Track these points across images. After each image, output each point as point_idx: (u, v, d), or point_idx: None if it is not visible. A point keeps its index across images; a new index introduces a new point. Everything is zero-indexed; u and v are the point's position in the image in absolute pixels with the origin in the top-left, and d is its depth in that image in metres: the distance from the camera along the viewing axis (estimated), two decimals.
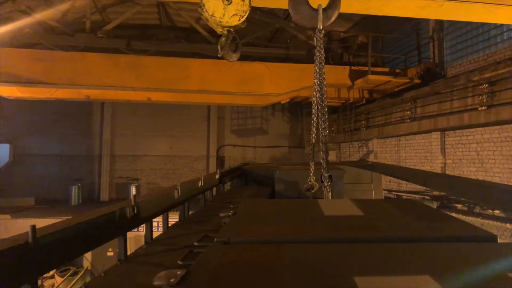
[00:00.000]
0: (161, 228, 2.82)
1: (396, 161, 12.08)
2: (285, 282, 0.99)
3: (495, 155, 8.40)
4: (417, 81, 9.78)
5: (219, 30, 3.84)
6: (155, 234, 2.53)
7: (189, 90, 9.66)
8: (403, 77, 9.71)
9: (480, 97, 7.99)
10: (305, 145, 16.20)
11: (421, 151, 10.89)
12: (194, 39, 13.80)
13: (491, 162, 8.50)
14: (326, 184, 3.19)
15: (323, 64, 3.21)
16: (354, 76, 10.40)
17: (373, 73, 9.76)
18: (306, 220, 1.80)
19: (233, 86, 9.82)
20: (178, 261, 1.70)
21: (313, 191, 3.39)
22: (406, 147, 11.64)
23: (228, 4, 3.51)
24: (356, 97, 12.10)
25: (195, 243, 2.01)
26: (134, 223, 2.11)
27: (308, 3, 3.13)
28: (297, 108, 20.31)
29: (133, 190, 18.34)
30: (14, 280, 1.20)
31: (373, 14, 4.47)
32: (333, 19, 3.12)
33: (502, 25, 8.32)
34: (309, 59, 11.64)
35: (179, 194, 2.93)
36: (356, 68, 10.39)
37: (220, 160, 21.08)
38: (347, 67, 10.40)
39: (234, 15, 3.53)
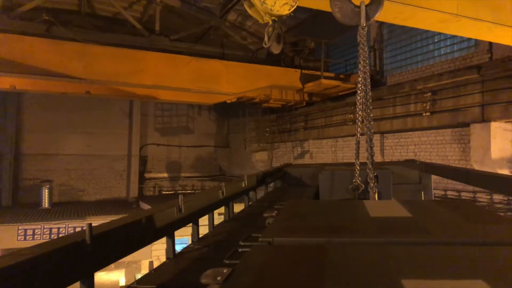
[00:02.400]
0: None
1: (333, 161, 12.89)
2: (329, 284, 0.98)
3: (431, 155, 9.52)
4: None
5: (264, 19, 3.73)
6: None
7: (143, 85, 9.03)
8: (350, 83, 10.41)
9: (424, 104, 9.00)
10: (245, 145, 16.26)
11: (360, 152, 11.79)
12: (117, 30, 12.91)
13: (427, 161, 9.60)
14: (372, 184, 3.14)
15: (367, 61, 3.20)
16: (304, 79, 10.82)
17: (325, 77, 10.27)
18: (351, 221, 1.79)
19: (190, 83, 9.47)
20: (224, 260, 1.72)
21: (358, 192, 3.38)
22: (343, 147, 12.49)
23: None
24: (297, 99, 12.58)
25: (240, 243, 2.01)
26: (181, 223, 2.15)
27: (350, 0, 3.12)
28: (225, 108, 20.27)
29: (46, 193, 16.38)
30: (73, 275, 1.27)
31: (398, 23, 4.77)
32: (376, 15, 3.11)
33: (439, 41, 9.48)
34: (255, 60, 11.79)
35: (224, 194, 2.94)
36: (306, 71, 10.83)
37: (143, 160, 20.04)
38: (299, 70, 10.78)
39: (284, 4, 3.48)
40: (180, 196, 2.23)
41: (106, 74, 8.62)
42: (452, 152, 9.05)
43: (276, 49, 3.83)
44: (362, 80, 3.16)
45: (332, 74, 10.93)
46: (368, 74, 3.16)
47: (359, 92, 3.20)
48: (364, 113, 3.18)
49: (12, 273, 1.04)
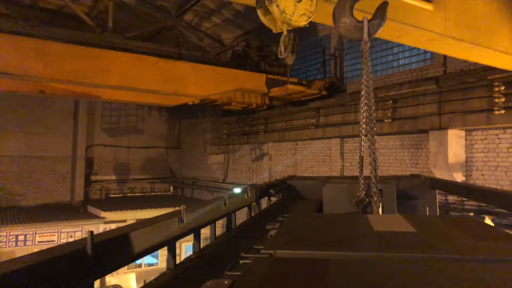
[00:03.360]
0: None
1: (292, 164, 13.21)
2: None
3: (390, 159, 10.15)
4: (324, 93, 10.97)
5: (278, 28, 3.73)
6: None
7: (108, 86, 8.60)
8: (314, 89, 10.75)
9: (386, 111, 9.56)
10: (205, 147, 16.03)
11: (319, 155, 12.22)
12: (62, 24, 12.11)
13: (386, 165, 10.22)
14: (376, 199, 3.11)
15: (370, 75, 3.24)
16: (269, 84, 10.97)
17: (290, 83, 10.50)
18: (354, 235, 1.77)
19: (157, 85, 9.17)
20: (225, 272, 1.74)
21: (362, 206, 3.33)
22: (303, 150, 12.85)
23: (299, 2, 3.44)
24: (259, 102, 12.71)
25: (242, 254, 2.04)
26: (182, 233, 2.16)
27: (352, 15, 3.16)
28: (176, 108, 19.81)
29: None
30: (73, 283, 1.28)
31: (391, 40, 5.03)
32: (379, 30, 3.14)
33: (398, 53, 10.13)
34: (218, 62, 11.72)
35: (226, 205, 2.94)
36: (271, 76, 10.98)
37: (89, 162, 18.96)
38: (264, 75, 10.90)
39: (302, 14, 3.45)
40: (182, 206, 2.22)
41: (69, 73, 8.07)
42: (409, 156, 9.72)
43: (290, 60, 3.81)
44: (366, 94, 3.21)
45: (295, 80, 11.19)
46: (372, 88, 3.20)
47: (362, 105, 3.23)
48: (368, 128, 3.22)
49: (13, 280, 1.04)
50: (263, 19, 3.79)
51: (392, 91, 9.46)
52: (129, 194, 19.74)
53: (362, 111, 3.24)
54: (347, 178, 5.28)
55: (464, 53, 5.36)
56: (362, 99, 3.20)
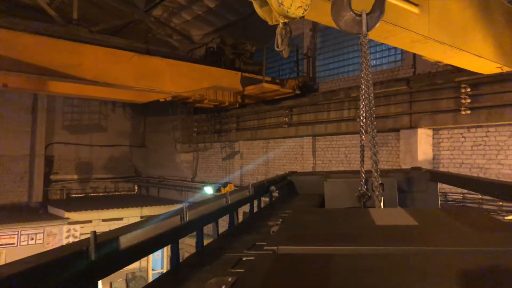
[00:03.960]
0: None
1: (264, 162, 13.33)
2: None
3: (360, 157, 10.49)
4: (297, 92, 11.16)
5: (274, 20, 3.73)
6: None
7: (82, 80, 8.27)
8: (288, 88, 10.92)
9: (358, 110, 9.87)
10: (175, 145, 15.76)
11: (291, 153, 12.42)
12: (17, 14, 11.50)
13: (357, 163, 10.54)
14: (377, 193, 3.10)
15: (369, 69, 3.22)
16: (244, 82, 11.00)
17: (266, 81, 10.60)
18: (356, 230, 1.78)
19: (133, 81, 8.94)
20: (229, 269, 1.75)
21: (364, 200, 3.36)
22: (275, 149, 13.00)
23: None
24: (231, 100, 12.73)
25: (245, 251, 2.06)
26: (185, 231, 2.17)
27: (351, 8, 3.15)
28: (141, 105, 19.35)
29: None
30: (77, 284, 1.29)
31: (379, 40, 5.22)
32: (378, 23, 3.15)
33: (370, 54, 10.47)
34: (191, 60, 11.60)
35: (228, 202, 2.94)
36: (246, 74, 11.02)
37: (49, 160, 18.07)
38: (239, 73, 10.92)
39: (299, 7, 3.45)
40: (184, 204, 2.21)
41: (39, 67, 7.68)
42: (380, 154, 10.10)
43: (286, 53, 3.80)
44: (365, 88, 3.19)
45: (269, 78, 11.29)
46: (371, 82, 3.16)
47: (362, 100, 3.22)
48: (368, 121, 3.20)
49: (17, 281, 1.04)
50: (259, 10, 3.76)
51: None
52: (91, 194, 19.03)
53: (362, 105, 3.24)
54: (348, 173, 5.29)
55: (442, 54, 5.68)
56: (362, 93, 3.20)
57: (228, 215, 3.09)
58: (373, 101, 3.16)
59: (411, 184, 4.48)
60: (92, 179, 19.31)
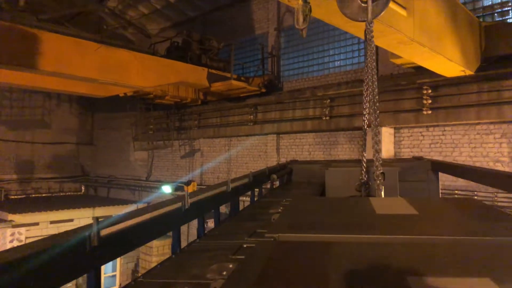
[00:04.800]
0: None
1: (227, 159, 13.27)
2: (334, 281, 1.00)
3: (324, 154, 10.85)
4: (263, 90, 11.26)
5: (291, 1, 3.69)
6: None
7: (43, 71, 7.68)
8: (254, 86, 10.98)
9: (324, 109, 10.21)
10: (133, 143, 15.09)
11: (254, 151, 12.49)
12: None
13: (320, 159, 10.90)
14: (378, 182, 3.08)
15: (374, 57, 3.24)
16: (210, 78, 10.87)
17: (233, 79, 10.57)
18: (356, 218, 1.79)
19: (97, 73, 8.46)
20: (230, 256, 1.77)
21: (365, 189, 3.40)
22: (237, 146, 12.99)
23: None
24: (193, 97, 12.54)
25: (246, 238, 2.09)
26: (187, 218, 2.21)
27: None
28: (90, 100, 18.37)
29: None
30: (80, 269, 1.35)
31: (354, 33, 5.44)
32: (384, 11, 3.19)
33: (334, 55, 10.88)
34: (155, 54, 11.25)
35: (229, 190, 2.96)
36: (213, 71, 10.90)
37: None
38: (206, 69, 10.76)
39: None
40: (186, 191, 2.23)
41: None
42: (343, 151, 10.52)
43: (305, 32, 3.73)
44: (370, 77, 3.22)
45: (235, 76, 11.27)
46: (375, 70, 3.19)
47: (366, 88, 3.29)
48: (371, 110, 3.22)
49: (22, 266, 1.07)
50: None
51: (331, 90, 10.15)
52: (33, 195, 17.66)
53: (365, 94, 3.29)
54: (349, 162, 5.29)
55: (419, 56, 6.06)
56: (366, 81, 3.22)
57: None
58: (376, 90, 3.17)
59: (412, 173, 4.49)
60: (34, 179, 17.94)
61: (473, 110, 8.08)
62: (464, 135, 8.60)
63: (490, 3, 8.42)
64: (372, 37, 3.18)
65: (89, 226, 1.38)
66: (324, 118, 10.24)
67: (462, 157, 8.62)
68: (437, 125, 8.85)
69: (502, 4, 8.28)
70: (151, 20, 15.80)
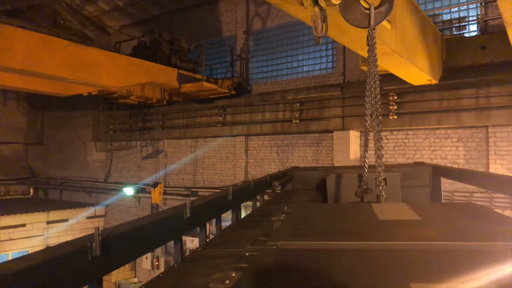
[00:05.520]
0: None
1: (192, 161, 13.17)
2: None
3: (293, 155, 11.15)
4: (233, 92, 11.34)
5: (308, 4, 3.71)
6: None
7: (10, 68, 7.23)
8: (223, 88, 11.03)
9: (294, 112, 10.50)
10: (96, 144, 14.42)
11: (222, 152, 12.52)
12: None
13: (290, 161, 11.19)
14: (380, 187, 3.11)
15: (376, 63, 3.25)
16: (180, 79, 10.75)
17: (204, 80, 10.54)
18: (359, 224, 1.79)
19: (67, 71, 8.06)
20: (232, 264, 1.78)
21: (367, 195, 3.40)
22: (204, 148, 12.95)
23: None
24: (159, 97, 12.34)
25: (248, 246, 2.08)
26: (189, 226, 2.20)
27: (360, 2, 3.15)
28: (40, 98, 17.31)
29: None
30: (81, 279, 1.32)
31: (354, 50, 5.71)
32: (387, 17, 3.19)
33: (303, 60, 11.20)
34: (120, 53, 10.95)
35: (232, 197, 2.94)
36: (183, 72, 10.79)
37: None
38: (176, 70, 10.63)
39: None
40: (188, 199, 2.22)
41: None
42: (311, 153, 10.89)
43: (320, 41, 3.61)
44: (372, 82, 3.23)
45: (205, 77, 11.24)
46: (378, 76, 3.19)
47: (368, 94, 3.27)
48: (373, 116, 3.25)
49: (22, 277, 1.06)
50: None
51: (301, 94, 10.46)
52: None
53: (367, 99, 3.26)
54: (350, 168, 5.31)
55: (396, 66, 6.48)
56: (368, 87, 3.22)
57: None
58: (379, 95, 3.20)
59: (414, 179, 4.42)
60: None
61: (435, 116, 8.75)
62: (425, 138, 9.27)
63: (449, 17, 9.16)
64: (375, 43, 3.25)
65: (90, 236, 1.35)
66: (294, 121, 10.53)
67: (423, 159, 9.26)
68: (401, 129, 9.45)
69: (459, 19, 9.04)
70: (111, 17, 15.25)
